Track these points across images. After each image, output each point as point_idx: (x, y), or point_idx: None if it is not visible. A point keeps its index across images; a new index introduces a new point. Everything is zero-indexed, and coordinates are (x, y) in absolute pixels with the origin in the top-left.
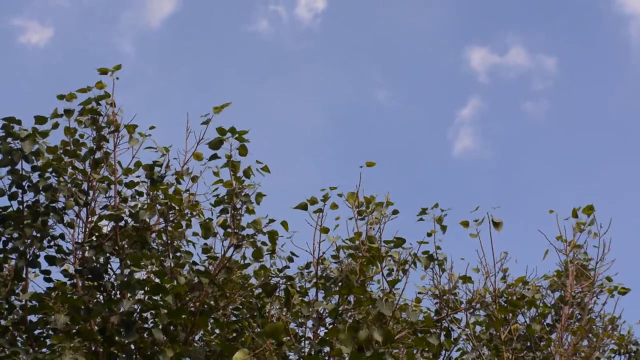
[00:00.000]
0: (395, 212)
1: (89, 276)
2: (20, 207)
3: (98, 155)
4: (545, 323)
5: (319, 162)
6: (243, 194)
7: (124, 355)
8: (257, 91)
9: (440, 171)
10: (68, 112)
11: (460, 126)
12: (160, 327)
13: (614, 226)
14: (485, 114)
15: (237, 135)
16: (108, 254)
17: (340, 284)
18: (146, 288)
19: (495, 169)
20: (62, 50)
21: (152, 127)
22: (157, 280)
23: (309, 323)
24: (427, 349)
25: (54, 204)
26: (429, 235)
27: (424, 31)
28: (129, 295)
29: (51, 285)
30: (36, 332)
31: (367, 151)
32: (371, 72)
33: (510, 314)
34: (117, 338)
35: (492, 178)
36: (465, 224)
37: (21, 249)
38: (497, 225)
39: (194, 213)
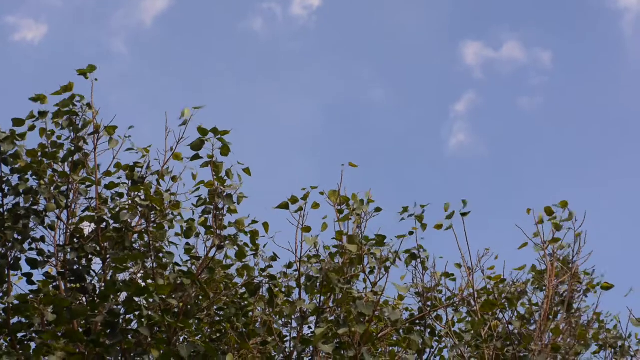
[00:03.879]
0: (377, 209)
1: (72, 278)
2: (1, 210)
3: (77, 157)
4: (532, 320)
5: (313, 159)
6: (225, 194)
7: (109, 358)
8: (251, 89)
9: (435, 167)
10: (42, 114)
11: (455, 122)
12: (145, 325)
13: (603, 220)
14: (479, 109)
15: (219, 135)
16: (90, 256)
17: (322, 283)
18: (130, 290)
19: (490, 164)
20: (56, 48)
21: (130, 127)
22: (140, 281)
23: (294, 323)
24: (410, 348)
25: (34, 207)
26: (410, 233)
27: (418, 26)
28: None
29: (34, 287)
30: (19, 335)
31: (362, 148)
32: (365, 68)
33: (490, 312)
34: (102, 340)
35: (487, 174)
36: (439, 226)
37: (2, 251)
38: (464, 214)
39: (176, 213)
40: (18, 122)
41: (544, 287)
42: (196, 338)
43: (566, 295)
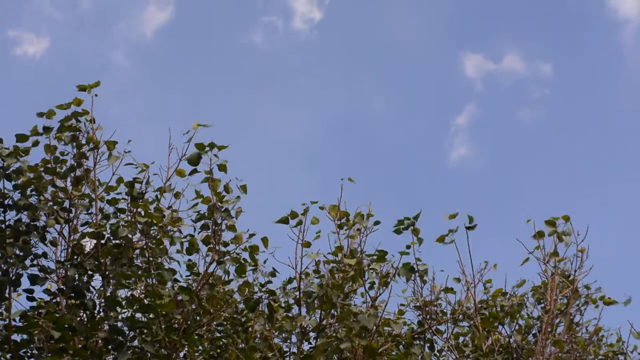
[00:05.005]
0: (376, 223)
1: (72, 295)
2: (2, 226)
3: (79, 172)
4: (532, 333)
5: (314, 172)
6: (223, 209)
7: None
8: (252, 102)
9: (436, 180)
10: (47, 130)
11: (456, 134)
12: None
13: (603, 232)
14: (480, 122)
15: (215, 149)
16: (90, 272)
17: (322, 299)
18: (134, 307)
19: (491, 177)
20: (57, 62)
21: (129, 141)
22: (144, 298)
23: (293, 338)
24: None
25: (35, 223)
26: (408, 247)
27: (419, 39)
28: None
29: (34, 304)
30: (21, 351)
31: (363, 161)
32: (366, 81)
33: (492, 326)
34: (104, 357)
35: (488, 186)
36: (441, 239)
37: (4, 268)
38: (470, 228)
39: (176, 229)
40: (21, 137)
41: (542, 300)
42: (196, 355)
43: (566, 308)
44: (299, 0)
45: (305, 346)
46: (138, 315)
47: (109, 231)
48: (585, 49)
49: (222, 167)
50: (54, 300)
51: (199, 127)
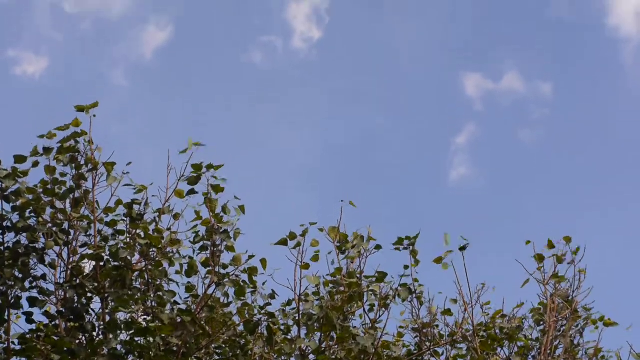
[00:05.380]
0: (378, 247)
1: (71, 317)
2: (1, 247)
3: (77, 194)
4: (531, 355)
5: (313, 192)
6: (222, 230)
7: None
8: (251, 122)
9: (436, 199)
10: (47, 151)
11: (456, 154)
12: None
13: (604, 252)
14: (480, 142)
15: (212, 169)
16: (89, 294)
17: (321, 321)
18: (132, 329)
19: (491, 197)
20: (56, 81)
21: (129, 164)
22: (142, 322)
23: None
24: None
25: (34, 244)
26: (405, 268)
27: (418, 57)
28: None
29: (33, 326)
30: None
31: (362, 180)
32: (366, 100)
33: (491, 348)
34: None
35: (487, 206)
36: (439, 260)
37: (3, 290)
38: (463, 249)
39: (175, 251)
40: (20, 159)
41: (542, 322)
42: None
43: (566, 330)
44: (299, 19)
45: None
46: (137, 337)
47: (108, 253)
48: (585, 69)
49: (218, 189)
50: (53, 323)
51: (195, 146)
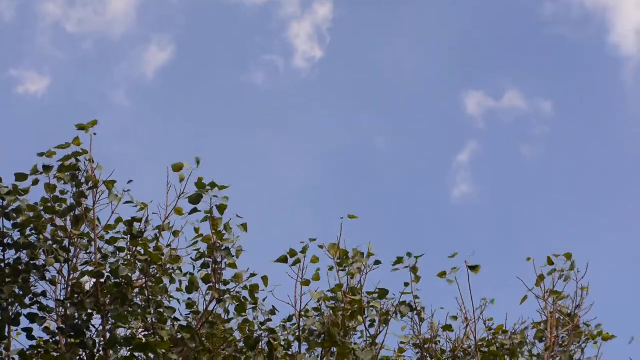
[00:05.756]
0: (377, 262)
1: (71, 334)
2: (1, 264)
3: (78, 211)
4: None
5: (314, 211)
6: (223, 248)
7: None
8: (253, 141)
9: (438, 217)
10: (47, 169)
11: (458, 172)
12: None
13: (604, 268)
14: (482, 159)
15: (216, 188)
16: (90, 311)
17: (322, 337)
18: (131, 346)
19: (493, 214)
20: (59, 100)
21: (130, 181)
22: (142, 338)
23: None
24: None
25: (35, 262)
26: (406, 285)
27: (420, 76)
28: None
29: (34, 343)
30: None
31: (363, 198)
32: (368, 118)
33: None
34: None
35: (490, 223)
36: (442, 274)
37: (3, 306)
38: (473, 269)
39: (176, 268)
40: (21, 177)
41: (544, 338)
42: None
43: (567, 345)
44: (300, 39)
45: None
46: (138, 354)
47: (108, 270)
48: (585, 86)
49: (221, 208)
50: (53, 339)
51: (192, 165)
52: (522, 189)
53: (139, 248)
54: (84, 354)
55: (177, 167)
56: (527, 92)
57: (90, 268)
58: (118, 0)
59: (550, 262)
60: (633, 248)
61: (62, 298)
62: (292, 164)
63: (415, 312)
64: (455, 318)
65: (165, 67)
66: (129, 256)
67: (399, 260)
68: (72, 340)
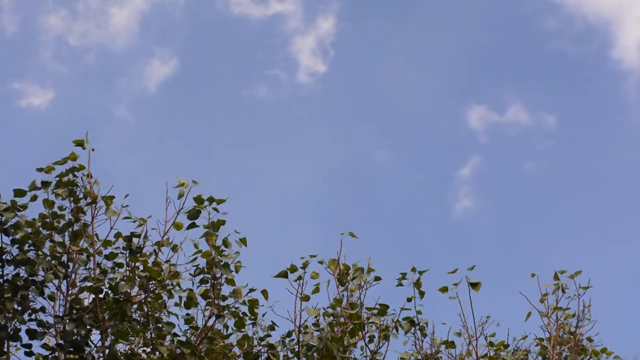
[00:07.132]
0: (377, 278)
1: (70, 349)
2: (0, 280)
3: (76, 227)
4: None
5: (316, 225)
6: (222, 263)
7: None
8: (255, 155)
9: (440, 232)
10: (45, 185)
11: (460, 186)
12: None
13: (608, 284)
14: (485, 174)
15: (214, 203)
16: (89, 327)
17: (321, 352)
18: None
19: (496, 229)
20: (61, 114)
21: (126, 196)
22: (142, 353)
23: None
24: None
25: (33, 277)
26: (409, 300)
27: (423, 90)
28: None
29: (33, 359)
30: None
31: (366, 213)
32: (370, 133)
33: None
34: None
35: (492, 238)
36: (444, 289)
37: (2, 322)
38: (474, 286)
39: (175, 283)
40: (19, 192)
41: (547, 355)
42: None
43: None
44: (304, 53)
45: None
46: None
47: (107, 285)
48: (589, 100)
49: (218, 224)
50: (52, 355)
51: (192, 183)
52: (525, 203)
53: (137, 263)
54: None
55: (181, 188)
56: (531, 106)
57: (89, 284)
58: (121, 14)
59: (557, 278)
60: (638, 262)
61: (61, 314)
62: (294, 178)
63: (417, 327)
64: (459, 334)
65: (167, 81)
66: (128, 272)
67: (404, 276)
68: (71, 356)
